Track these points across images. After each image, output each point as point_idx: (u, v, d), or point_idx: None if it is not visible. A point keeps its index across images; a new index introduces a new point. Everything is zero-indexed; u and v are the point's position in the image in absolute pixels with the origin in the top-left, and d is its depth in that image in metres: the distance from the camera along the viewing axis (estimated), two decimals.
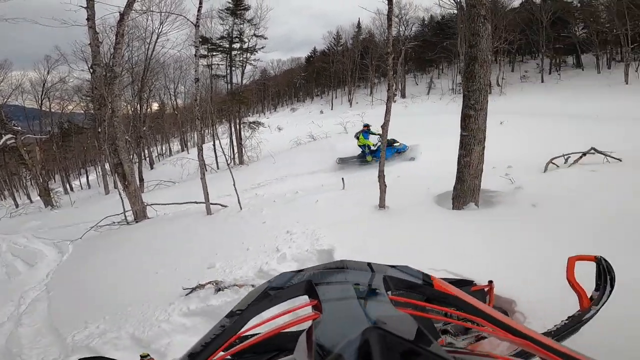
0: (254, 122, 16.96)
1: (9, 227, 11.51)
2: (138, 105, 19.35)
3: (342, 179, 6.18)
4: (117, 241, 5.81)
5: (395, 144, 9.48)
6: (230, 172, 6.46)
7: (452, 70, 28.45)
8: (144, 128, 19.88)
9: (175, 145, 31.43)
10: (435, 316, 0.87)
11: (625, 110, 11.98)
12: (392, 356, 0.40)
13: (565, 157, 5.22)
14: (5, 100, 20.43)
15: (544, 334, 0.81)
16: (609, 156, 4.91)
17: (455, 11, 22.82)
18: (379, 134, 9.61)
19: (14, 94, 21.88)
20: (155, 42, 18.17)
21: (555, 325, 1.01)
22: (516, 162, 5.86)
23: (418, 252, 2.87)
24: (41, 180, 16.91)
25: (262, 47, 17.54)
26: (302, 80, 46.02)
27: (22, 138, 16.96)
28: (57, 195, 17.58)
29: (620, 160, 4.76)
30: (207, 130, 22.12)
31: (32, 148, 18.25)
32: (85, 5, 6.47)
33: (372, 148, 9.79)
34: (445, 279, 0.73)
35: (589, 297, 1.04)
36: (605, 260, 1.06)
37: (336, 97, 38.17)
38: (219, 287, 3.00)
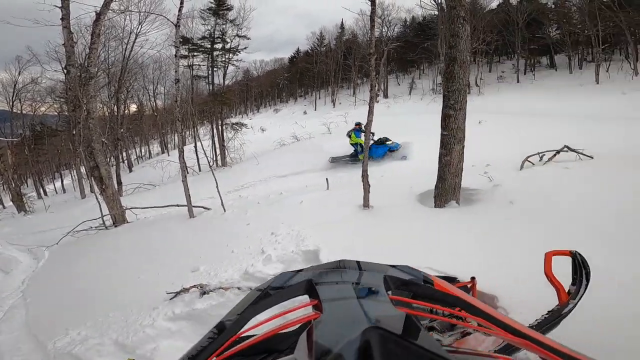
0: (236, 124, 16.78)
1: None
2: (115, 107, 18.79)
3: (327, 179, 6.20)
4: (95, 246, 5.64)
5: (387, 142, 9.49)
6: (213, 174, 6.37)
7: (433, 70, 29.01)
8: (122, 130, 19.32)
9: (155, 148, 30.71)
10: (435, 316, 0.88)
11: (596, 109, 12.55)
12: (393, 356, 0.41)
13: (540, 155, 5.41)
14: None
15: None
16: (581, 154, 5.12)
17: (436, 12, 23.31)
18: (371, 133, 9.72)
19: None
20: (134, 42, 17.72)
21: (536, 320, 1.03)
22: (494, 160, 6.03)
23: (402, 250, 2.91)
24: (13, 185, 16.18)
25: (245, 48, 17.41)
26: (285, 81, 45.88)
27: None
28: (30, 201, 16.85)
29: (592, 158, 4.98)
30: (188, 132, 21.71)
31: (3, 152, 17.40)
32: (60, 5, 6.23)
33: None
34: None
35: (566, 291, 1.07)
36: (580, 255, 1.09)
37: (319, 98, 38.25)
38: (204, 291, 2.95)
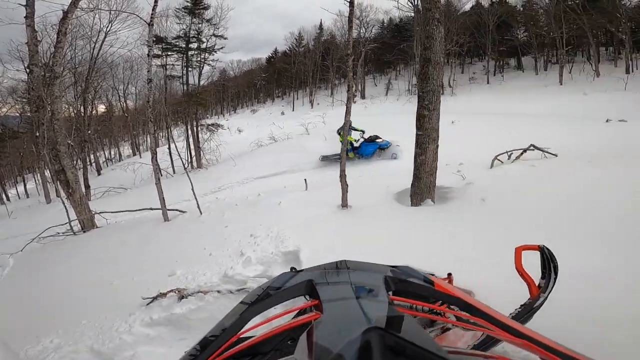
0: (212, 124, 16.44)
1: None
2: (82, 107, 17.94)
3: (305, 180, 6.20)
4: (64, 252, 5.36)
5: (377, 140, 9.48)
6: (188, 176, 6.21)
7: (409, 71, 29.67)
8: (89, 131, 18.47)
9: (126, 150, 29.56)
10: (435, 316, 0.88)
11: (559, 109, 13.29)
12: (393, 357, 0.41)
13: (509, 153, 5.66)
14: None
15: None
16: (546, 152, 5.41)
17: (413, 14, 23.85)
18: (361, 130, 9.65)
19: None
20: (103, 41, 16.98)
21: (510, 314, 1.04)
22: (467, 159, 6.25)
23: (381, 249, 2.96)
24: None
25: (222, 48, 17.10)
26: (262, 82, 45.45)
27: None
28: None
29: (556, 156, 5.26)
30: (161, 133, 21.00)
31: None
32: (25, 3, 5.88)
33: (355, 145, 9.71)
34: None
35: (537, 284, 1.08)
36: (548, 249, 1.11)
37: (297, 99, 38.19)
38: (182, 295, 2.87)
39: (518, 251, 1.12)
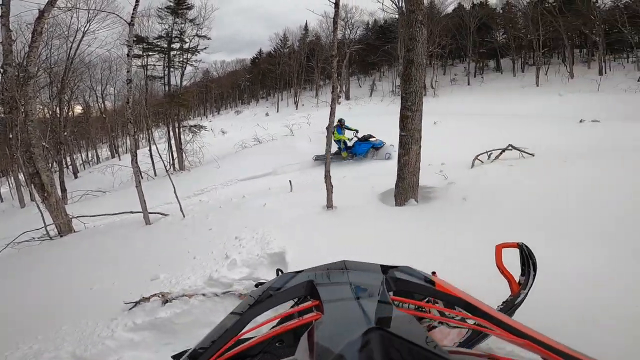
0: (195, 126, 16.15)
1: None
2: (57, 108, 17.30)
3: (290, 181, 6.19)
4: (40, 258, 5.17)
5: (371, 139, 9.38)
6: (170, 178, 6.10)
7: (393, 73, 30.04)
8: (65, 133, 17.82)
9: (104, 152, 28.69)
10: (435, 316, 0.88)
11: (536, 110, 13.75)
12: (394, 357, 0.41)
13: (488, 153, 5.82)
14: None
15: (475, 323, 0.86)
16: (524, 152, 5.59)
17: (397, 16, 24.17)
18: (355, 130, 9.58)
19: None
20: (80, 40, 16.42)
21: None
22: (448, 159, 6.38)
23: (366, 249, 2.98)
24: None
25: (205, 48, 16.82)
26: (247, 82, 45.04)
27: None
28: None
29: (533, 155, 5.45)
30: (142, 135, 20.49)
31: None
32: (0, 3, 5.64)
33: (348, 144, 9.61)
34: None
35: (517, 281, 1.09)
36: (526, 246, 1.13)
37: (282, 100, 38.05)
38: (166, 299, 2.81)
39: (498, 249, 1.13)
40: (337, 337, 0.46)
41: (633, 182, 3.23)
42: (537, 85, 21.63)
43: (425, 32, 4.15)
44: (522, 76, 25.22)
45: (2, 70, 6.16)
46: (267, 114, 32.76)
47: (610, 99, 14.50)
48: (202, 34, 16.45)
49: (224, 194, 7.96)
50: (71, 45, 16.32)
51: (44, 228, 6.24)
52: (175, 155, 15.75)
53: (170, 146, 15.92)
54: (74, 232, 6.40)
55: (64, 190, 13.76)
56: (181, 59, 16.20)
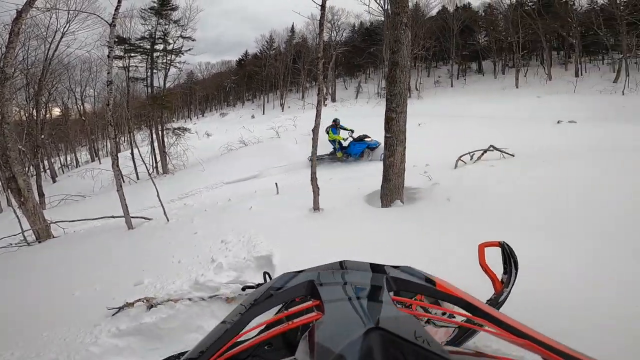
0: (178, 128, 15.90)
1: None
2: (34, 111, 16.71)
3: (276, 183, 6.17)
4: (18, 264, 4.98)
5: (366, 139, 9.27)
6: (153, 181, 5.98)
7: (378, 75, 30.30)
8: (42, 136, 17.22)
9: (84, 155, 27.88)
10: (436, 316, 0.88)
11: (516, 111, 14.12)
12: (395, 357, 0.40)
13: (471, 154, 5.95)
14: None
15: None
16: (504, 152, 5.75)
17: (383, 18, 24.44)
18: (350, 130, 9.41)
19: None
20: (59, 41, 15.91)
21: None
22: (432, 160, 6.49)
23: (352, 250, 3.00)
24: None
25: (190, 49, 16.57)
26: (232, 84, 44.59)
27: None
28: None
29: (513, 156, 5.60)
30: (123, 138, 20.02)
31: None
32: None
33: (344, 144, 9.41)
34: None
35: (500, 280, 1.11)
36: (508, 245, 1.15)
37: (268, 102, 37.83)
38: (151, 304, 2.75)
39: (481, 248, 1.14)
40: (337, 337, 0.46)
41: (610, 180, 3.35)
42: (517, 87, 22.26)
43: (409, 35, 4.20)
44: (502, 78, 25.90)
45: None
46: (252, 116, 32.53)
47: (586, 100, 15.06)
48: (187, 35, 16.24)
49: (209, 197, 7.86)
50: (49, 46, 15.80)
51: (21, 234, 6.04)
52: (158, 158, 15.45)
53: (153, 149, 15.61)
54: (53, 237, 6.21)
55: (41, 195, 13.34)
56: (165, 61, 15.93)
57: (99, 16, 6.95)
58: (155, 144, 15.59)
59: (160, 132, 15.38)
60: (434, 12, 29.59)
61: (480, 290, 1.16)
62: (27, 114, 17.04)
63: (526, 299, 1.73)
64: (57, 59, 17.07)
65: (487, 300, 1.10)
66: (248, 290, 2.48)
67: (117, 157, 5.85)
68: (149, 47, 15.56)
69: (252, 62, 41.28)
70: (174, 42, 15.97)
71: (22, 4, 5.66)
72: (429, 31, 26.16)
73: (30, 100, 16.61)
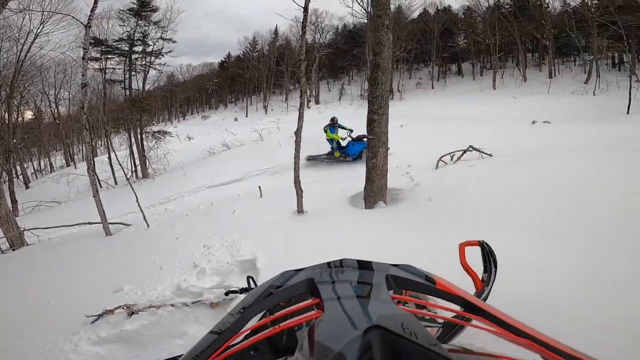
0: (158, 132, 15.54)
1: None
2: (6, 114, 15.99)
3: (259, 187, 6.13)
4: None
5: (365, 139, 9.22)
6: (131, 186, 5.84)
7: (361, 77, 30.51)
8: (15, 140, 16.49)
9: (59, 160, 26.87)
10: (436, 315, 0.88)
11: (493, 112, 14.52)
12: (395, 356, 0.40)
13: (451, 155, 6.09)
14: None
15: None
16: (483, 152, 5.91)
17: (366, 21, 24.68)
18: (349, 129, 9.07)
19: None
20: (32, 43, 15.29)
21: (461, 308, 1.13)
22: (414, 161, 6.61)
23: (338, 252, 2.97)
24: None
25: (170, 51, 16.24)
26: (214, 87, 43.97)
27: None
28: None
29: (491, 155, 5.77)
30: (100, 142, 19.44)
31: None
32: None
33: (342, 143, 9.20)
34: None
35: (480, 278, 1.11)
36: (487, 244, 1.15)
37: (251, 104, 37.50)
38: (132, 311, 2.69)
39: (461, 247, 1.15)
40: (337, 336, 0.46)
41: (586, 177, 3.48)
42: (494, 89, 22.91)
43: (391, 37, 4.25)
44: (480, 80, 26.60)
45: None
46: (235, 119, 32.19)
47: (559, 100, 15.66)
48: (167, 37, 15.91)
49: (191, 202, 7.74)
50: (22, 48, 15.17)
51: None
52: (137, 162, 15.07)
53: (131, 153, 15.20)
54: (27, 245, 6.03)
55: (14, 201, 12.84)
56: (143, 63, 15.56)
57: (74, 17, 6.75)
58: (134, 147, 15.19)
59: (139, 136, 15.00)
60: (415, 15, 30.12)
61: (463, 288, 1.20)
62: None
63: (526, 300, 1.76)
64: (30, 61, 16.42)
65: None
66: (231, 295, 2.45)
67: (93, 161, 5.68)
68: (127, 48, 15.16)
69: (234, 64, 40.84)
70: (154, 44, 15.64)
71: None
72: (411, 33, 26.59)
73: (2, 103, 15.88)
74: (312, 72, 28.24)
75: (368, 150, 4.42)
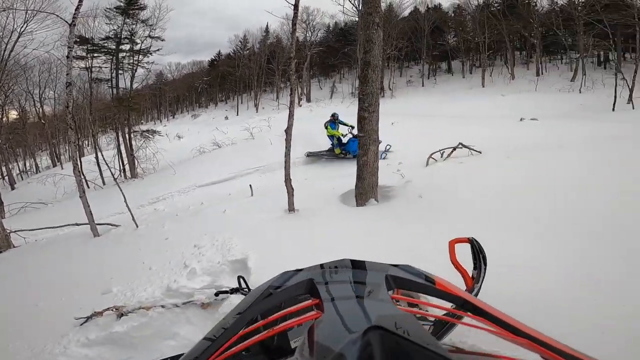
0: (147, 131, 15.33)
1: None
2: None
3: (250, 185, 6.09)
4: None
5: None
6: (119, 186, 5.75)
7: (352, 75, 30.52)
8: (0, 141, 16.13)
9: (44, 160, 26.30)
10: (436, 315, 0.87)
11: (482, 109, 14.70)
12: (394, 356, 0.40)
13: (441, 152, 6.14)
14: None
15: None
16: (472, 149, 5.97)
17: (357, 19, 24.69)
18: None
19: None
20: (15, 41, 14.90)
21: (452, 306, 1.13)
22: (405, 158, 6.64)
23: (329, 250, 3.00)
24: None
25: (158, 50, 16.02)
26: (204, 85, 43.47)
27: None
28: None
29: (480, 152, 5.83)
30: (87, 142, 19.11)
31: None
32: None
33: (343, 140, 8.96)
34: None
35: (470, 275, 1.12)
36: (477, 241, 1.16)
37: (242, 103, 37.20)
38: (121, 313, 2.68)
39: (451, 244, 1.16)
40: (337, 336, 0.46)
41: (581, 177, 3.47)
42: (483, 86, 23.23)
43: (381, 34, 4.24)
44: (470, 77, 26.92)
45: None
46: (226, 118, 31.94)
47: (546, 98, 15.93)
48: (156, 35, 15.70)
49: (181, 202, 7.66)
50: (5, 47, 14.78)
51: None
52: (126, 162, 14.84)
53: (119, 153, 14.96)
54: (14, 247, 5.95)
55: (0, 203, 12.52)
56: (131, 61, 15.32)
57: (58, 16, 6.58)
58: (122, 147, 14.96)
59: (127, 135, 14.77)
60: (406, 13, 30.30)
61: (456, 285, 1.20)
62: None
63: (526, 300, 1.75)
64: (14, 60, 16.02)
65: None
66: (222, 296, 2.43)
67: (81, 161, 5.58)
68: (114, 47, 14.91)
69: (225, 62, 40.46)
70: (142, 42, 15.42)
71: None
72: (402, 31, 26.72)
73: None
74: (303, 70, 28.20)
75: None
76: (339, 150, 8.96)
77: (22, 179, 21.84)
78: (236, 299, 2.40)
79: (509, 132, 8.32)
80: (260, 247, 3.36)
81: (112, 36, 14.82)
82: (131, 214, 5.24)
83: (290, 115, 4.54)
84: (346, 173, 6.80)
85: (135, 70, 15.59)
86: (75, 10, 5.28)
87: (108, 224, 5.54)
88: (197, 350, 0.56)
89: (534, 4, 24.22)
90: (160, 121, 39.99)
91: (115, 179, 7.30)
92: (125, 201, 5.37)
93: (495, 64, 27.04)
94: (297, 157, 9.09)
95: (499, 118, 11.54)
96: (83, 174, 5.58)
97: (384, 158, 8.39)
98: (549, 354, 0.51)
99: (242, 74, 36.61)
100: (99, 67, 15.31)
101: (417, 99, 22.23)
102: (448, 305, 0.72)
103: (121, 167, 14.70)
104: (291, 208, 4.35)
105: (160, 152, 14.28)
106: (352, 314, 0.53)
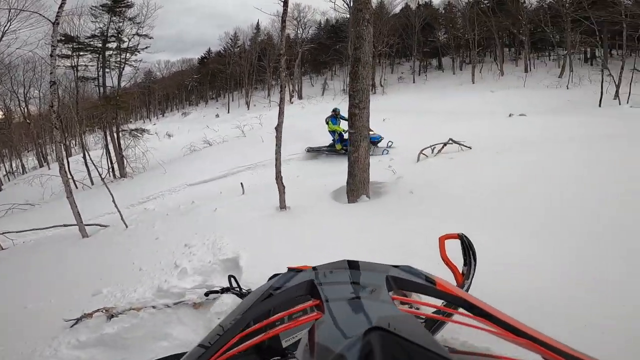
0: (136, 129, 15.10)
1: None
2: None
3: (241, 183, 6.05)
4: None
5: (371, 133, 8.83)
6: (107, 186, 5.68)
7: (344, 71, 30.46)
8: None
9: (31, 161, 25.76)
10: (435, 316, 0.87)
11: (472, 105, 14.83)
12: (395, 357, 0.40)
13: (432, 148, 6.18)
14: None
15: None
16: (462, 145, 6.02)
17: (348, 15, 24.61)
18: None
19: None
20: None
21: (442, 303, 1.13)
22: (396, 154, 6.67)
23: (321, 247, 2.99)
24: None
25: (146, 48, 15.76)
26: (194, 83, 42.97)
27: None
28: None
29: (470, 148, 5.89)
30: (74, 141, 18.77)
31: None
32: None
33: (344, 136, 8.57)
34: None
35: (460, 272, 1.11)
36: (467, 237, 1.16)
37: (233, 100, 36.90)
38: (111, 314, 2.63)
39: (441, 240, 1.15)
40: (337, 337, 0.46)
41: (577, 176, 3.48)
42: (473, 83, 23.43)
43: (371, 31, 4.24)
44: (460, 74, 27.13)
45: None
46: (217, 115, 31.65)
47: (534, 94, 16.13)
48: (143, 33, 15.45)
49: (171, 201, 7.58)
50: None
51: None
52: (114, 161, 14.62)
53: (108, 152, 14.73)
54: (2, 249, 5.86)
55: None
56: (118, 59, 15.04)
57: (42, 15, 6.40)
58: (111, 146, 14.73)
59: (115, 134, 14.54)
60: (397, 10, 30.36)
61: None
62: None
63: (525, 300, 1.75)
64: None
65: None
66: (212, 295, 2.41)
67: (67, 161, 5.48)
68: (100, 45, 14.62)
69: (215, 60, 40.05)
70: (129, 40, 15.15)
71: None
72: (393, 28, 26.76)
73: None
74: (294, 68, 28.05)
75: (349, 144, 4.42)
76: (339, 146, 8.82)
77: (9, 180, 21.41)
78: (227, 299, 2.39)
79: (499, 128, 8.42)
80: (251, 245, 3.34)
81: (99, 34, 14.53)
82: (120, 214, 5.18)
83: (281, 113, 4.52)
84: (338, 170, 6.81)
85: (123, 69, 15.34)
86: (59, 8, 5.17)
87: (97, 225, 5.46)
88: (197, 352, 0.56)
89: (523, 1, 24.49)
90: (150, 120, 39.46)
91: (102, 179, 7.17)
92: (113, 201, 5.30)
93: (485, 61, 27.30)
94: (290, 154, 9.08)
95: (488, 114, 11.67)
96: (70, 174, 5.48)
97: (386, 154, 8.43)
98: (550, 354, 0.50)
99: (233, 71, 36.30)
100: (85, 65, 15.03)
101: (408, 95, 22.30)
102: (439, 303, 0.72)
103: (109, 167, 14.48)
104: (283, 206, 4.33)
105: (150, 151, 14.10)
106: (353, 315, 0.53)
